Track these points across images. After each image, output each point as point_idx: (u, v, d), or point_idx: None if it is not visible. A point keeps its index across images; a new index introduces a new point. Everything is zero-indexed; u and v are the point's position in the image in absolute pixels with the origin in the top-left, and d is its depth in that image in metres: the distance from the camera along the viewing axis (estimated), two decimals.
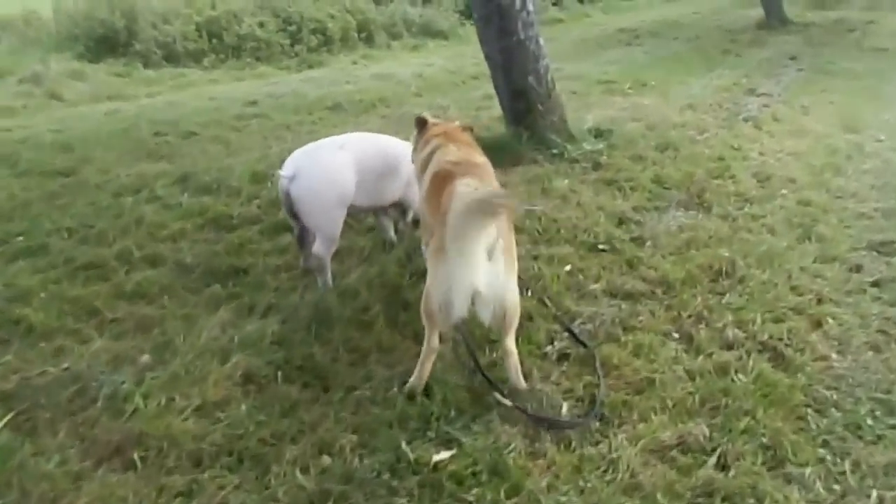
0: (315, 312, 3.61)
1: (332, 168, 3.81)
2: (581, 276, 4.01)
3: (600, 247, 4.37)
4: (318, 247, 3.87)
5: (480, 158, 3.44)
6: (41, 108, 9.48)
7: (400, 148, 4.14)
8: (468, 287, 2.67)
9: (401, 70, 11.11)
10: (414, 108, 8.15)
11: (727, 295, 3.79)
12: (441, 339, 3.10)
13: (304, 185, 3.73)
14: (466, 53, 12.52)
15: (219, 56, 12.73)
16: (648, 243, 4.41)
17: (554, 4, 18.48)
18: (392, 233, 4.50)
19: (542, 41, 5.83)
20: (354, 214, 4.27)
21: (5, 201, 5.34)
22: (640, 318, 3.59)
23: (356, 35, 14.18)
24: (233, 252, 4.40)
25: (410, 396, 2.98)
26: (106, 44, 12.58)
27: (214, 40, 12.89)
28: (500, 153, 5.64)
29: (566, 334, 3.46)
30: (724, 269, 4.03)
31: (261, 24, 13.37)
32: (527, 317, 3.54)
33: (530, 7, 5.69)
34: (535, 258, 4.23)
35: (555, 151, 5.79)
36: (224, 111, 8.39)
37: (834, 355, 3.30)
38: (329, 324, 3.53)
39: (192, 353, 3.27)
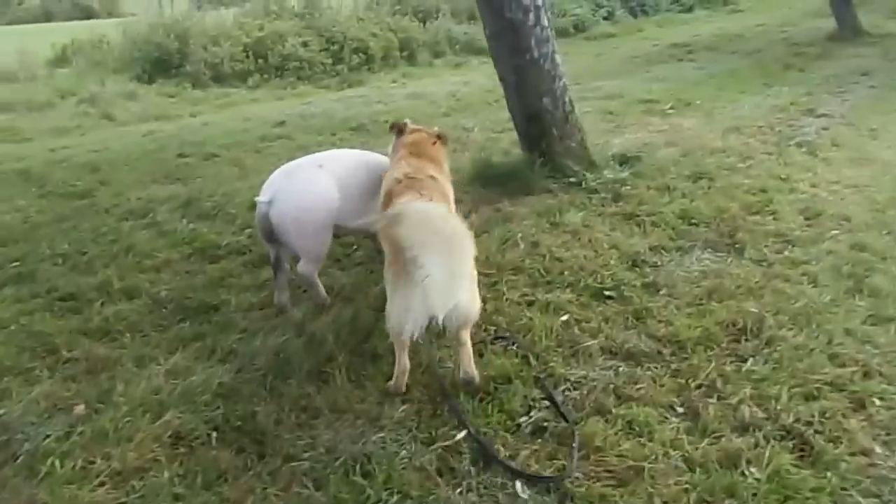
0: (273, 362, 3.31)
1: (312, 188, 3.64)
2: (578, 329, 3.52)
3: (606, 293, 3.87)
4: (302, 266, 3.71)
5: (431, 172, 3.37)
6: (93, 129, 9.67)
7: (385, 163, 3.89)
8: (424, 313, 2.69)
9: (437, 89, 10.80)
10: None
11: (749, 361, 3.22)
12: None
13: (283, 208, 3.55)
14: None
15: (263, 76, 12.79)
16: (663, 291, 3.88)
17: (605, 19, 17.88)
18: None
19: (558, 59, 5.38)
20: (345, 235, 4.01)
21: (18, 223, 5.32)
22: (640, 385, 3.08)
23: (398, 53, 13.99)
24: (210, 286, 4.15)
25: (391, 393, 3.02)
26: (160, 65, 12.85)
27: (260, 60, 12.98)
28: (511, 180, 5.27)
29: (547, 402, 3.00)
30: (748, 327, 3.46)
31: (304, 44, 13.36)
32: (504, 378, 3.12)
33: (545, 22, 5.25)
34: (530, 304, 3.78)
35: (571, 180, 5.31)
36: (252, 132, 8.24)
37: (878, 449, 2.66)
38: (286, 375, 3.22)
39: (128, 406, 3.00)
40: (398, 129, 3.80)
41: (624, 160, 5.68)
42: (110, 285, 4.14)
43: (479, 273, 3.96)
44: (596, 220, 4.84)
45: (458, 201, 5.11)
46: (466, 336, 3.03)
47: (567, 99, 5.43)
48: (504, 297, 3.84)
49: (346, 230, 3.92)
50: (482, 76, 11.87)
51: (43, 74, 12.28)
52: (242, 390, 3.10)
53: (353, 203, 3.74)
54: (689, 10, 21.31)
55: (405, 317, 2.74)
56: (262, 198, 3.61)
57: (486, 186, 5.40)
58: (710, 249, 4.38)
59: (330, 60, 13.39)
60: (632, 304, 3.74)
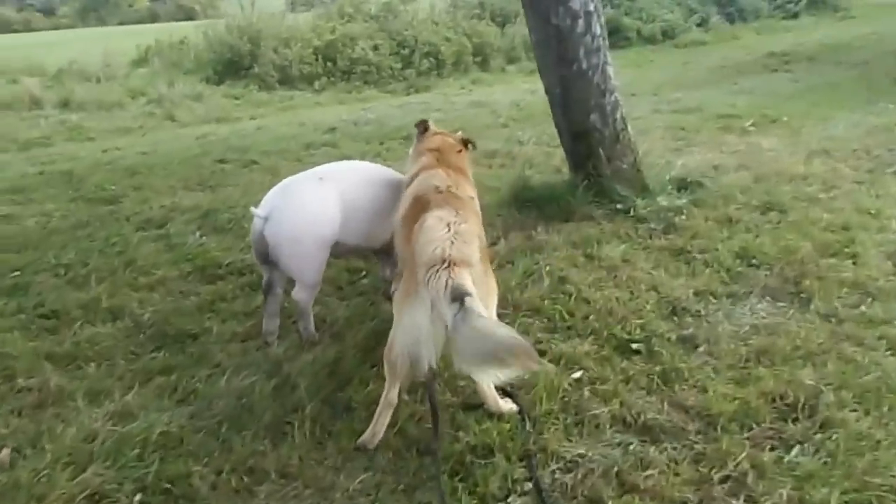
0: (233, 408, 2.92)
1: (312, 204, 3.30)
2: (590, 391, 2.96)
3: (633, 346, 3.28)
4: (297, 292, 3.36)
5: (470, 192, 3.14)
6: (154, 130, 9.74)
7: (395, 180, 3.55)
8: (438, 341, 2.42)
9: (502, 97, 10.30)
10: (489, 140, 7.32)
11: (794, 450, 2.57)
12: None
13: (279, 226, 3.23)
14: None
15: (330, 79, 12.68)
16: (701, 348, 3.25)
17: (698, 25, 16.82)
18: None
19: (611, 71, 4.76)
20: (343, 255, 3.63)
21: (37, 229, 5.18)
22: (650, 471, 2.49)
23: (471, 59, 13.56)
24: (198, 311, 3.81)
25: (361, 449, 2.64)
26: (231, 67, 12.97)
27: (328, 63, 12.87)
28: (549, 204, 4.73)
29: (531, 484, 2.47)
30: (800, 403, 2.79)
31: (375, 48, 13.17)
32: (486, 449, 2.62)
33: (596, 30, 4.65)
34: (541, 355, 3.23)
35: (618, 206, 4.70)
36: (300, 139, 8.00)
37: None
38: (242, 425, 2.81)
39: (53, 455, 2.64)
40: (423, 127, 3.54)
41: (683, 185, 5.01)
42: (98, 304, 3.87)
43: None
44: (638, 254, 4.22)
45: (487, 224, 4.69)
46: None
47: (619, 116, 4.81)
48: None
49: (347, 249, 3.54)
50: None
51: (121, 75, 12.57)
52: (187, 442, 2.72)
53: (356, 220, 3.39)
54: (794, 16, 19.90)
55: (418, 346, 2.47)
56: (258, 211, 3.27)
57: (521, 210, 4.87)
58: (768, 298, 3.69)
59: (399, 65, 13.13)
60: (660, 361, 3.14)
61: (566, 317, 3.55)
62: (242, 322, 3.66)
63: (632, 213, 4.67)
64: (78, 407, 2.96)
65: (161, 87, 11.29)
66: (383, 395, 2.65)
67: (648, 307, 3.62)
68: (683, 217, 4.64)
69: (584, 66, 4.62)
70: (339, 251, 3.48)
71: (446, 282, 2.38)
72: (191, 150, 7.51)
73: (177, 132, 9.20)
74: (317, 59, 12.87)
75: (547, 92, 4.97)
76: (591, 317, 3.53)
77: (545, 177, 5.55)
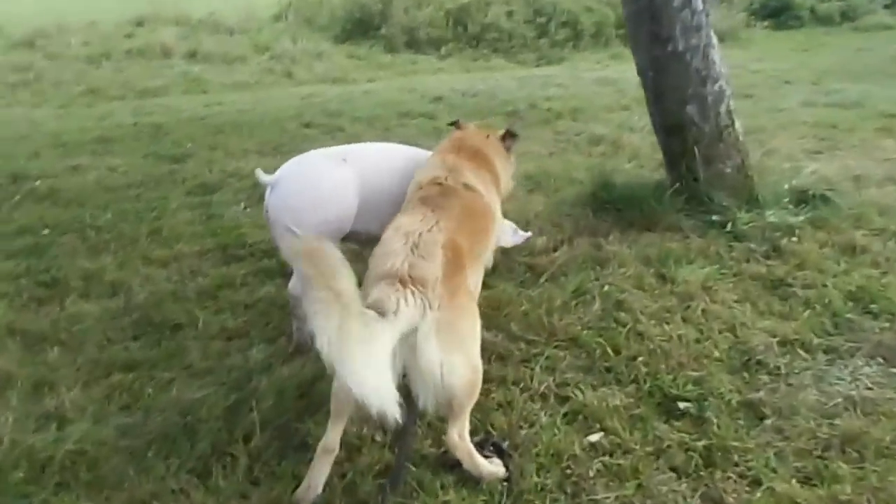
0: (171, 427, 2.52)
1: (325, 185, 2.91)
2: (604, 463, 2.34)
3: (681, 406, 2.61)
4: (293, 284, 2.97)
5: (467, 178, 2.66)
6: (269, 86, 9.77)
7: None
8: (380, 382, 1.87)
9: (634, 77, 9.29)
10: (599, 124, 6.58)
11: None
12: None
13: (282, 198, 2.86)
14: (737, 59, 10.26)
15: (457, 44, 12.19)
16: (769, 421, 2.52)
17: (886, 7, 14.57)
18: None
19: (715, 55, 3.90)
20: (359, 244, 3.17)
21: (92, 185, 5.14)
22: None
23: (613, 31, 12.51)
24: (195, 297, 3.48)
25: None
26: (360, 26, 12.80)
27: (458, 28, 12.37)
28: (630, 208, 4.03)
29: None
30: None
31: (509, 14, 12.51)
32: None
33: (698, 5, 3.80)
34: (558, 402, 2.65)
35: (714, 218, 3.90)
36: (400, 107, 7.61)
37: None
38: (172, 452, 2.40)
39: None
40: (457, 127, 3.14)
41: (804, 198, 4.08)
42: (101, 276, 3.68)
43: (514, 337, 2.95)
44: (726, 281, 3.45)
45: (553, 224, 4.10)
46: (456, 433, 2.18)
47: (724, 109, 3.96)
48: (527, 383, 2.74)
49: (367, 237, 3.05)
50: None
51: (254, 28, 12.71)
52: (99, 465, 2.33)
53: (376, 209, 2.92)
54: None
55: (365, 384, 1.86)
56: (266, 176, 2.90)
57: (598, 211, 4.18)
58: (879, 361, 2.83)
59: (533, 33, 12.39)
60: (709, 433, 2.45)
61: (609, 354, 2.92)
62: (238, 315, 3.30)
63: (729, 227, 3.86)
64: (8, 401, 2.67)
65: (285, 43, 11.29)
66: (322, 439, 2.19)
67: (716, 353, 2.90)
68: (794, 239, 3.77)
69: (681, 46, 3.80)
70: (354, 239, 3.07)
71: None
72: (285, 111, 7.33)
73: (288, 90, 9.13)
74: (447, 23, 12.39)
75: (639, 74, 4.21)
76: (640, 359, 2.88)
77: (636, 174, 4.79)
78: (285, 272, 3.40)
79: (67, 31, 11.80)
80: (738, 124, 4.04)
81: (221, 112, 7.46)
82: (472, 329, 2.20)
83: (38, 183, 5.14)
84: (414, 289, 2.02)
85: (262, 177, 2.92)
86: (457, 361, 2.08)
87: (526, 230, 3.62)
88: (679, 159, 4.01)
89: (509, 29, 12.30)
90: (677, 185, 3.98)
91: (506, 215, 3.69)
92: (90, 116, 7.53)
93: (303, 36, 12.04)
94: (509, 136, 3.08)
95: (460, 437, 2.18)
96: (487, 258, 2.79)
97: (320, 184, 2.90)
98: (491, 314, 3.15)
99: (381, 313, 1.92)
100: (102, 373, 2.85)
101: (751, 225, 3.87)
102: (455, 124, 3.19)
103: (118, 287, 3.56)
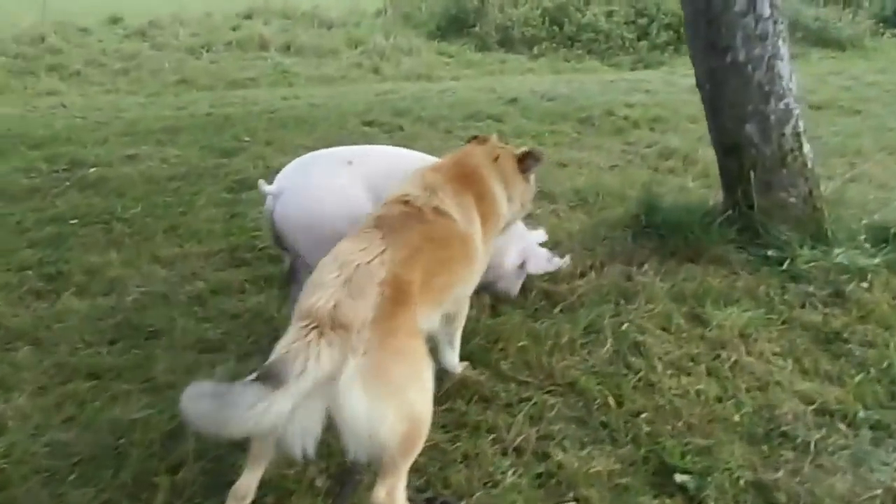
0: (100, 449, 2.37)
1: (333, 188, 2.79)
2: None
3: (678, 479, 2.23)
4: (297, 292, 2.80)
5: (439, 202, 2.34)
6: (355, 81, 9.77)
7: None
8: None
9: None
10: (674, 136, 6.08)
11: None
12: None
13: (293, 207, 2.76)
14: (856, 70, 9.35)
15: (551, 44, 11.76)
16: None
17: None
18: None
19: (784, 69, 3.38)
20: None
21: (137, 176, 5.12)
22: None
23: None
24: (185, 302, 3.35)
25: None
26: (455, 23, 12.63)
27: (554, 27, 11.95)
28: (674, 234, 3.60)
29: None
30: None
31: (609, 14, 11.95)
32: None
33: (765, 11, 3.29)
34: (542, 458, 2.33)
35: (769, 253, 3.41)
36: (471, 107, 7.33)
37: None
38: (92, 478, 2.24)
39: None
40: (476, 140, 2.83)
41: (883, 236, 3.49)
42: (104, 272, 3.62)
43: (504, 377, 2.67)
44: (770, 329, 2.99)
45: (587, 249, 3.73)
46: (384, 485, 1.90)
47: (790, 131, 3.44)
48: (502, 433, 2.43)
49: None
50: (806, 75, 9.30)
51: (352, 23, 12.77)
52: (12, 488, 2.18)
53: None
54: None
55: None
56: (268, 187, 2.80)
57: (638, 236, 3.77)
58: None
59: (633, 35, 11.76)
60: None
61: (609, 406, 2.57)
62: (220, 325, 3.13)
63: (785, 265, 3.36)
64: None
65: (378, 38, 11.26)
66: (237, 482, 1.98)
67: (736, 417, 2.49)
68: (864, 285, 3.24)
69: (741, 57, 3.32)
70: None
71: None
72: (353, 108, 7.22)
73: (368, 86, 9.05)
74: (543, 22, 11.97)
75: (697, 87, 3.76)
76: (644, 415, 2.51)
77: (694, 196, 4.31)
78: (284, 281, 3.24)
79: (180, 22, 12.29)
80: (807, 148, 3.52)
81: (293, 106, 7.47)
82: (413, 374, 1.93)
83: (91, 171, 5.25)
84: (333, 335, 1.79)
85: (265, 188, 2.81)
86: (388, 412, 1.83)
87: (554, 251, 3.32)
88: (735, 183, 3.54)
89: (607, 30, 11.74)
90: (729, 212, 3.52)
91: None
92: (171, 106, 7.73)
93: (398, 32, 11.97)
94: (530, 158, 2.73)
95: (389, 495, 1.92)
96: (463, 292, 2.50)
97: (331, 188, 2.77)
98: (484, 348, 2.86)
99: (278, 379, 1.70)
100: (63, 378, 2.75)
101: (812, 264, 3.36)
102: (476, 139, 2.90)
103: (116, 285, 3.50)
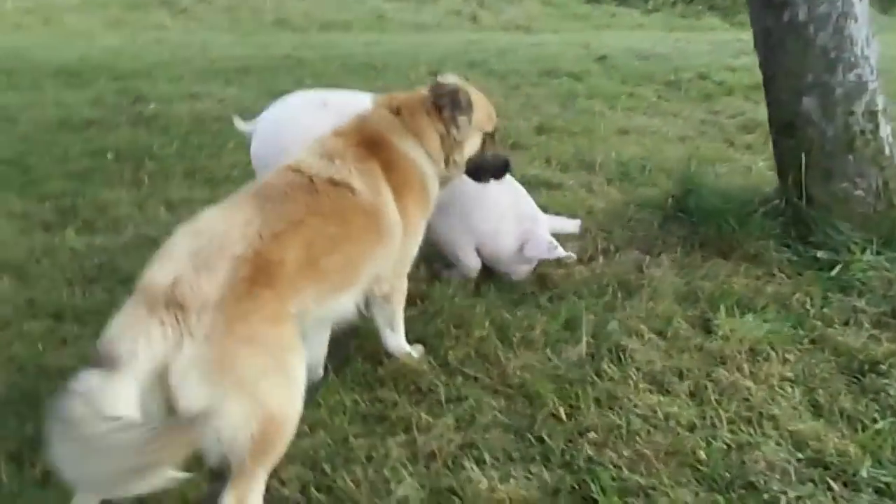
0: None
1: (299, 129, 2.65)
2: None
3: None
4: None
5: (336, 172, 2.03)
6: (449, 30, 9.46)
7: None
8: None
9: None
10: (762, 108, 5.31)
11: None
12: None
13: (260, 145, 2.85)
14: None
15: None
16: None
17: None
18: None
19: (858, 33, 2.70)
20: None
21: (190, 114, 5.13)
22: None
23: None
24: None
25: None
26: None
27: None
28: (707, 223, 3.10)
29: None
30: None
31: None
32: None
33: None
34: (470, 481, 2.02)
35: (817, 254, 2.82)
36: (552, 62, 6.83)
37: None
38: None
39: None
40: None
41: None
42: (107, 211, 3.59)
43: (449, 370, 2.37)
44: (790, 348, 2.46)
45: (604, 230, 3.28)
46: (234, 491, 1.67)
47: (861, 108, 2.78)
48: (416, 438, 2.12)
49: None
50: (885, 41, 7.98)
51: None
52: None
53: None
54: None
55: None
56: (243, 125, 2.95)
57: (668, 221, 3.27)
58: None
59: None
60: None
61: (559, 417, 2.19)
62: None
63: (836, 272, 2.78)
64: None
65: None
66: None
67: (702, 454, 2.04)
68: None
69: (801, 15, 2.69)
70: None
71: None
72: (430, 57, 6.89)
73: (458, 36, 8.69)
74: None
75: (755, 50, 3.15)
76: (591, 434, 2.12)
77: (747, 180, 3.71)
78: None
79: None
80: (886, 131, 2.86)
81: (370, 53, 7.24)
82: (268, 366, 1.67)
83: (152, 106, 5.30)
84: (165, 314, 1.56)
85: (241, 125, 2.93)
86: (232, 408, 1.60)
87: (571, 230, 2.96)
88: (787, 169, 2.95)
89: None
90: (776, 201, 2.95)
91: (545, 210, 3.02)
92: (255, 45, 7.74)
93: None
94: (443, 99, 2.23)
95: (239, 502, 1.69)
96: (382, 271, 2.18)
97: (297, 131, 2.63)
98: (439, 333, 2.55)
99: (112, 363, 1.49)
100: (27, 316, 2.70)
101: (871, 273, 2.76)
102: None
103: (119, 224, 3.46)
